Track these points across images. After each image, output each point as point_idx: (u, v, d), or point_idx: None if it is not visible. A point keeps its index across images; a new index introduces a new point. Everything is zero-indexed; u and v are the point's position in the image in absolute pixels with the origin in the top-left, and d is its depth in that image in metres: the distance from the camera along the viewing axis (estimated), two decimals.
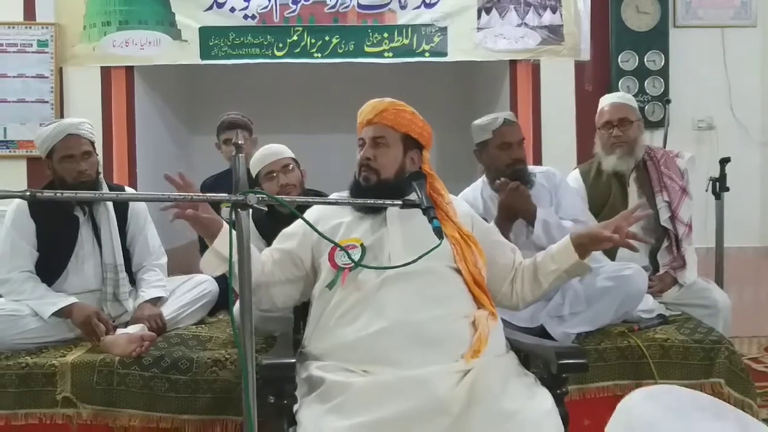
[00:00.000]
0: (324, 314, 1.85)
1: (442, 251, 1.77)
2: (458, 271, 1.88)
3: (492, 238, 2.07)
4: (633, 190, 2.89)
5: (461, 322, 1.79)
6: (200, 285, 2.76)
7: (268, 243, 2.58)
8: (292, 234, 2.01)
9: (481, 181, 2.74)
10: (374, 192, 1.90)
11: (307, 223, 1.70)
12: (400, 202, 1.76)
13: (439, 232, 1.68)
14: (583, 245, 1.93)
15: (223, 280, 2.86)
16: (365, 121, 2.00)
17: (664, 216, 2.83)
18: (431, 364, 1.66)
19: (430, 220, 1.70)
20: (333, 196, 2.08)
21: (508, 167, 2.58)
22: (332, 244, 1.81)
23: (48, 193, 1.32)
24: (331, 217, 1.98)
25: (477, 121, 2.67)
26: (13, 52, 3.84)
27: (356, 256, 1.83)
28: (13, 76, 3.85)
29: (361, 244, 1.88)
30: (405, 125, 1.98)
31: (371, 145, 1.98)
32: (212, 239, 1.84)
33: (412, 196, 1.83)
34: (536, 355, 1.88)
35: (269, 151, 2.77)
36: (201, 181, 3.58)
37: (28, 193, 1.20)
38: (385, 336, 1.73)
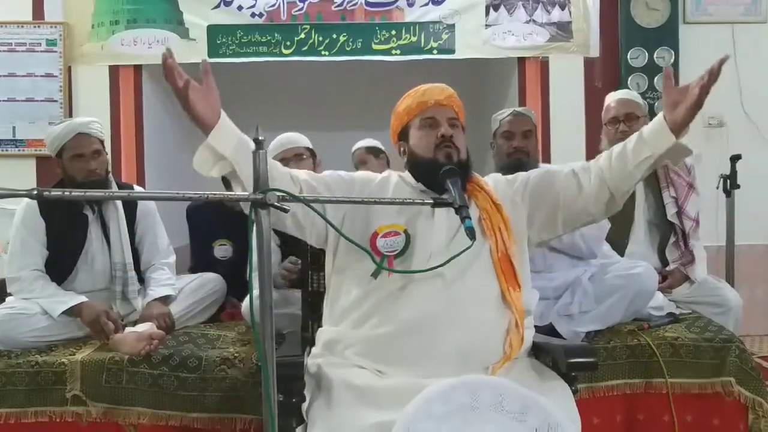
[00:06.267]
0: (359, 300, 1.77)
1: (482, 251, 1.75)
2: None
3: (544, 175, 1.95)
4: (640, 186, 2.87)
5: (487, 334, 1.73)
6: (208, 284, 2.77)
7: (280, 237, 2.60)
8: (328, 185, 1.85)
9: None
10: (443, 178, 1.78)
11: (332, 226, 1.62)
12: (431, 201, 1.67)
13: (471, 233, 1.61)
14: (677, 121, 1.73)
15: (230, 276, 2.87)
16: (432, 101, 1.88)
17: (670, 211, 2.82)
18: (447, 375, 1.60)
19: (463, 220, 1.62)
20: (383, 175, 1.96)
21: (509, 156, 2.62)
22: (374, 229, 1.76)
23: (56, 192, 1.30)
24: (375, 182, 1.91)
25: (495, 113, 2.76)
26: (22, 51, 3.87)
27: (399, 245, 1.75)
28: (22, 75, 3.87)
29: (405, 231, 1.78)
30: (462, 114, 1.93)
31: (450, 125, 1.87)
32: (207, 131, 1.61)
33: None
34: (545, 354, 1.87)
35: (285, 140, 2.80)
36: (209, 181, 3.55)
37: (35, 192, 1.18)
38: (405, 339, 1.69)
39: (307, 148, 2.84)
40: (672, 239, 2.84)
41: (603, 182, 1.84)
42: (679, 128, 1.74)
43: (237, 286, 2.81)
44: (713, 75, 1.68)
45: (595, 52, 4.03)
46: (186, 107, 1.59)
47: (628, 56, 4.03)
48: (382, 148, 3.77)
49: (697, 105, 1.71)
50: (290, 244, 2.50)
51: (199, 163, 1.64)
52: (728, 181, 3.25)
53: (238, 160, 1.61)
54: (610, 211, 1.90)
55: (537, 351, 1.88)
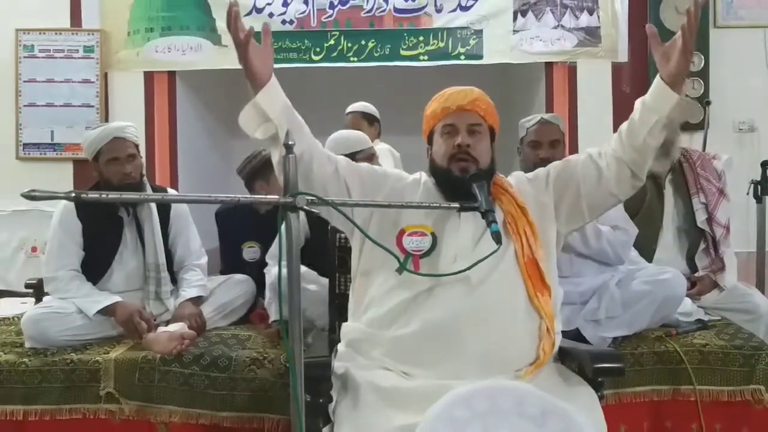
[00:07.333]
0: (384, 299, 1.77)
1: (506, 254, 1.75)
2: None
3: (564, 166, 1.96)
4: (669, 192, 2.87)
5: (514, 337, 1.73)
6: (239, 285, 2.81)
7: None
8: (361, 176, 1.87)
9: None
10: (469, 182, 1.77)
11: (361, 231, 1.64)
12: (457, 205, 1.68)
13: (498, 238, 1.61)
14: (672, 72, 1.74)
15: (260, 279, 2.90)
16: (455, 106, 1.85)
17: (700, 218, 2.80)
18: (473, 377, 1.61)
19: (489, 224, 1.63)
20: (415, 175, 1.96)
21: (535, 166, 2.60)
22: (401, 227, 1.77)
23: (92, 195, 1.37)
24: (407, 181, 1.92)
25: (522, 119, 2.74)
26: (60, 57, 3.97)
27: (426, 245, 1.76)
28: (60, 81, 3.97)
29: (432, 233, 1.78)
30: (492, 117, 1.89)
31: (469, 132, 1.84)
32: (256, 89, 1.66)
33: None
34: (572, 359, 1.87)
35: (357, 136, 2.86)
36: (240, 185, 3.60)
37: (73, 194, 1.24)
38: (431, 341, 1.70)
39: None
40: (702, 246, 2.81)
41: (620, 162, 1.84)
42: (676, 81, 1.74)
43: None
44: (691, 14, 1.70)
45: (623, 56, 3.99)
46: (243, 59, 1.65)
47: None
48: (377, 115, 3.84)
49: (686, 48, 1.72)
50: (316, 239, 2.53)
51: (245, 121, 1.69)
52: (759, 186, 3.20)
53: (282, 124, 1.66)
54: (635, 188, 1.89)
55: (563, 356, 1.88)
